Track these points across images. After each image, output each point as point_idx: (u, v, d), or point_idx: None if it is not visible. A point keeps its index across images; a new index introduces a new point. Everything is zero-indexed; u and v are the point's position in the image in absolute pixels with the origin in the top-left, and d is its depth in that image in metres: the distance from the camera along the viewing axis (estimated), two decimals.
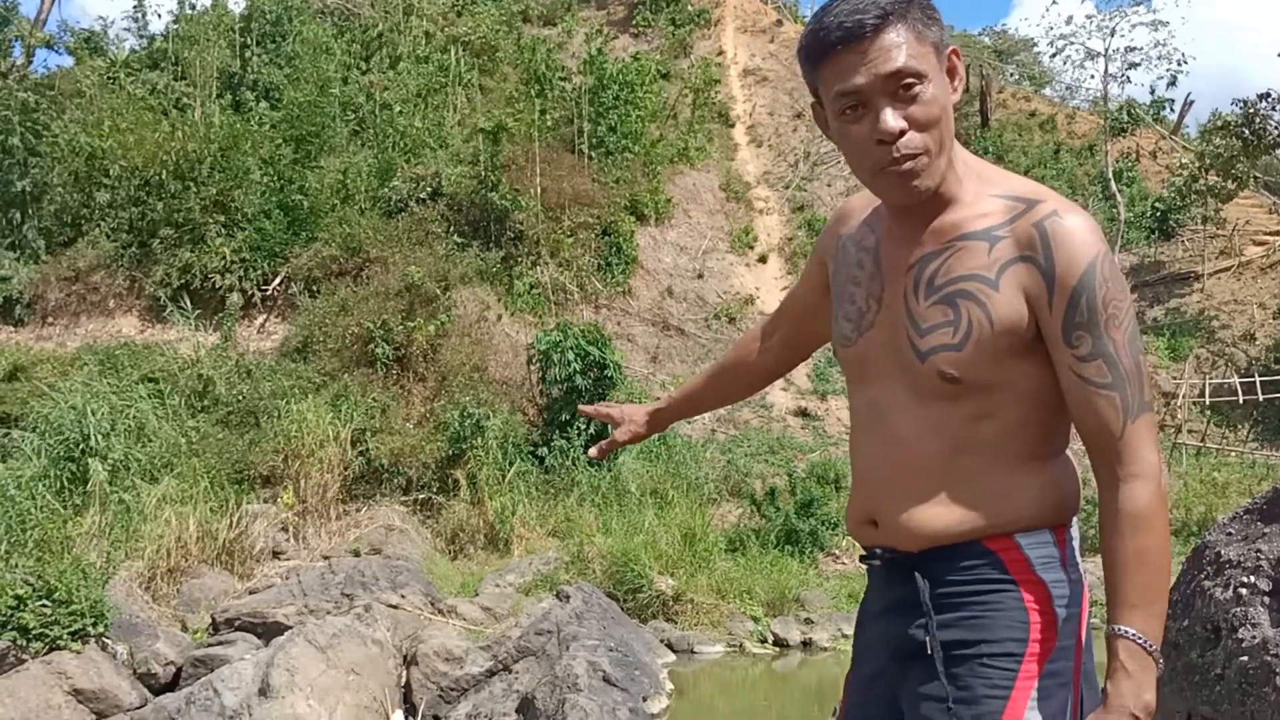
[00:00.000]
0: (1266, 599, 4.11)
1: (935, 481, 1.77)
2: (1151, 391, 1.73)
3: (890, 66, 1.65)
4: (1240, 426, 22.88)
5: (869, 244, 1.89)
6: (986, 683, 1.71)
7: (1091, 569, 1.91)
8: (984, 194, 1.77)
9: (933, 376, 1.74)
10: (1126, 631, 1.63)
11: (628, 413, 2.39)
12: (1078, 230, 1.70)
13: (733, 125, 35.12)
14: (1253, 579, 4.19)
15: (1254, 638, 3.99)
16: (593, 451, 2.40)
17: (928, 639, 1.75)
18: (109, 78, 27.70)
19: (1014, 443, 1.77)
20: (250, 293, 23.60)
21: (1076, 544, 1.82)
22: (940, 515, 1.76)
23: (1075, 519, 1.83)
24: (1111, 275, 1.68)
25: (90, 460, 15.11)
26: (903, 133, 1.68)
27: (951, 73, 1.77)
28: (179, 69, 28.98)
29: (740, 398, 2.43)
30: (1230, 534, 4.66)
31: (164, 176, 24.23)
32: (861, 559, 1.96)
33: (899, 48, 1.66)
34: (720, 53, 37.61)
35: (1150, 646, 1.63)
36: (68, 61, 33.47)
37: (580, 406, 2.54)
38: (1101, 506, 1.72)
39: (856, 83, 1.66)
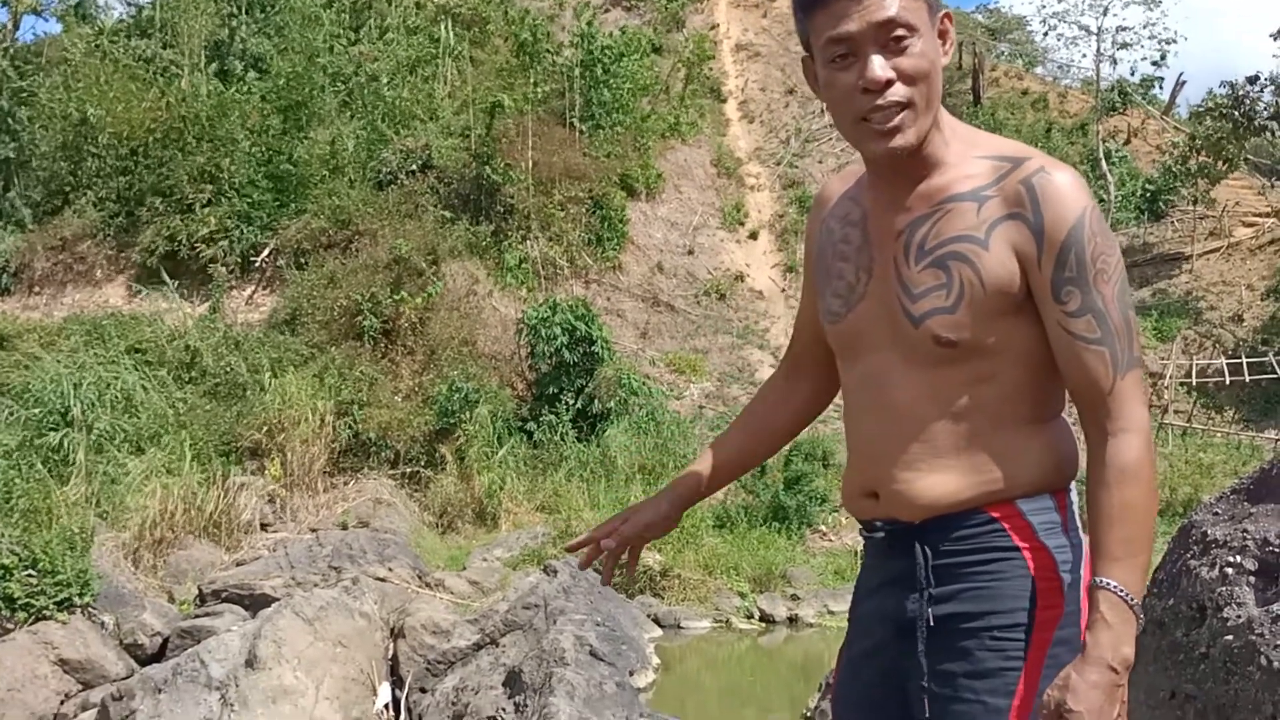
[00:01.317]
0: (1252, 578, 4.13)
1: (935, 448, 1.75)
2: (1140, 347, 1.72)
3: (883, 14, 1.65)
4: (1227, 408, 22.99)
5: (855, 217, 1.88)
6: (1000, 655, 1.71)
7: None
8: (970, 156, 1.76)
9: (927, 341, 1.73)
10: (1108, 584, 1.61)
11: (630, 527, 2.07)
12: (1065, 186, 1.68)
13: (724, 100, 34.96)
14: (1239, 559, 4.21)
15: (1239, 617, 4.01)
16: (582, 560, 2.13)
17: (922, 609, 1.75)
18: (95, 45, 27.41)
19: (1013, 406, 1.75)
20: (237, 264, 23.48)
21: (1076, 508, 1.79)
22: (942, 482, 1.75)
23: (1074, 483, 1.80)
24: (1100, 230, 1.67)
25: (71, 431, 15.06)
26: (890, 83, 1.67)
27: (943, 35, 1.76)
28: (167, 37, 28.69)
29: (775, 451, 2.21)
30: (1217, 514, 4.68)
31: (151, 145, 24.05)
32: (861, 533, 1.94)
33: None
34: (713, 27, 37.39)
35: (1131, 599, 1.62)
36: (56, 29, 33.19)
37: (566, 546, 2.20)
38: (1090, 461, 1.70)
39: (848, 29, 1.66)
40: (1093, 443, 1.71)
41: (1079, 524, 1.78)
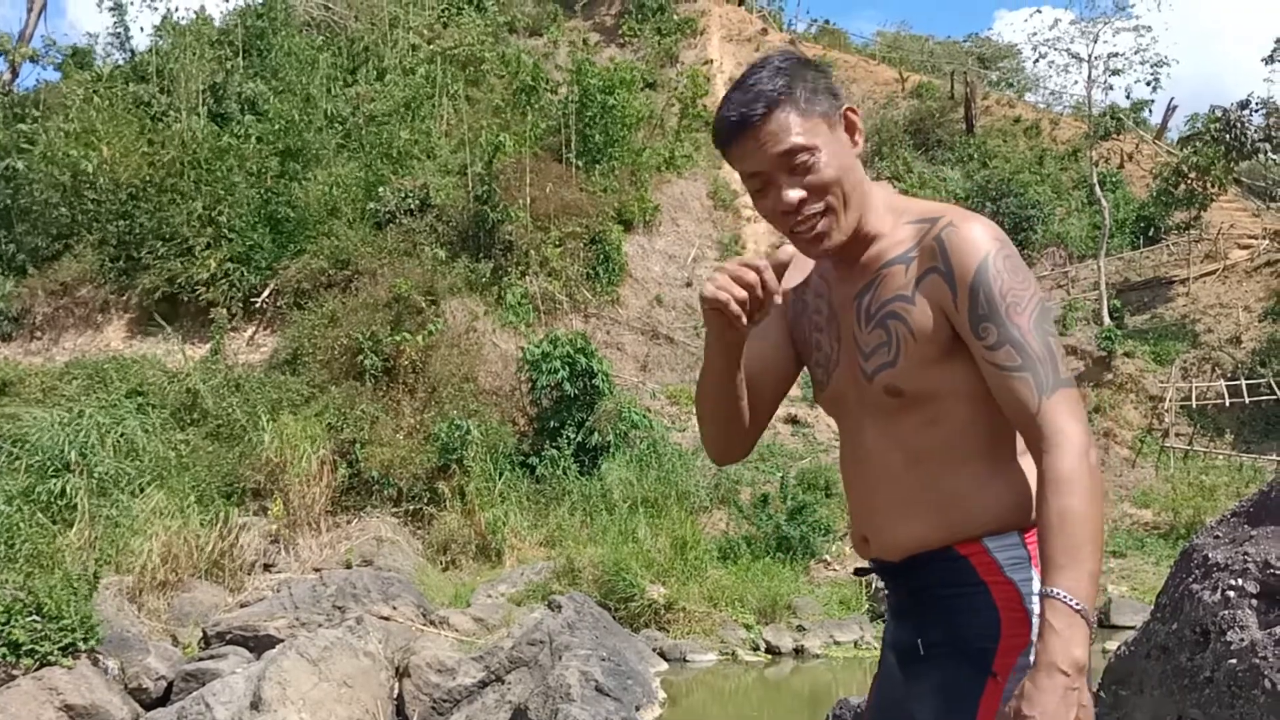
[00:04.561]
0: (1254, 601, 4.15)
1: (901, 491, 1.93)
2: (1067, 369, 1.82)
3: (780, 148, 1.85)
4: (1227, 430, 22.99)
5: (822, 290, 2.08)
6: (966, 679, 1.84)
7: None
8: (900, 223, 1.95)
9: (880, 394, 1.92)
10: (1054, 592, 1.69)
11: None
12: (970, 234, 1.84)
13: None
14: (1241, 581, 4.23)
15: (1242, 640, 4.02)
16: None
17: (918, 641, 1.92)
18: (94, 91, 27.66)
19: (963, 443, 1.90)
20: (238, 305, 23.58)
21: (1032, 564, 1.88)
22: (913, 528, 1.92)
23: (1033, 529, 1.86)
24: (1006, 268, 1.82)
25: (70, 476, 15.07)
26: (803, 201, 1.88)
27: (850, 128, 1.93)
28: (164, 81, 28.94)
29: (737, 422, 2.16)
30: (1218, 537, 4.69)
31: (149, 189, 24.21)
32: (856, 571, 2.13)
33: (786, 130, 1.85)
34: (707, 62, 37.69)
35: (1077, 605, 1.68)
36: (55, 76, 33.48)
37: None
38: (1036, 482, 1.80)
39: (755, 166, 1.88)
40: (1034, 464, 1.81)
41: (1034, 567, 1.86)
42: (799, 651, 14.40)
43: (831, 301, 2.03)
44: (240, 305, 23.66)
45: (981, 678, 1.82)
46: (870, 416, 1.96)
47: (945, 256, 1.84)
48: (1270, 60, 29.17)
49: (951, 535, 1.88)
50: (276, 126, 26.22)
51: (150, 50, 31.30)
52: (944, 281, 1.84)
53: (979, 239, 1.83)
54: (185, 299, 23.46)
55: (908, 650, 1.95)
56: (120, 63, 32.44)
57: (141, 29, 61.54)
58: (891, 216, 1.96)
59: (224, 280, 23.44)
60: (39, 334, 24.71)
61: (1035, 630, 1.77)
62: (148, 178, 24.32)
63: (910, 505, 1.91)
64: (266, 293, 23.67)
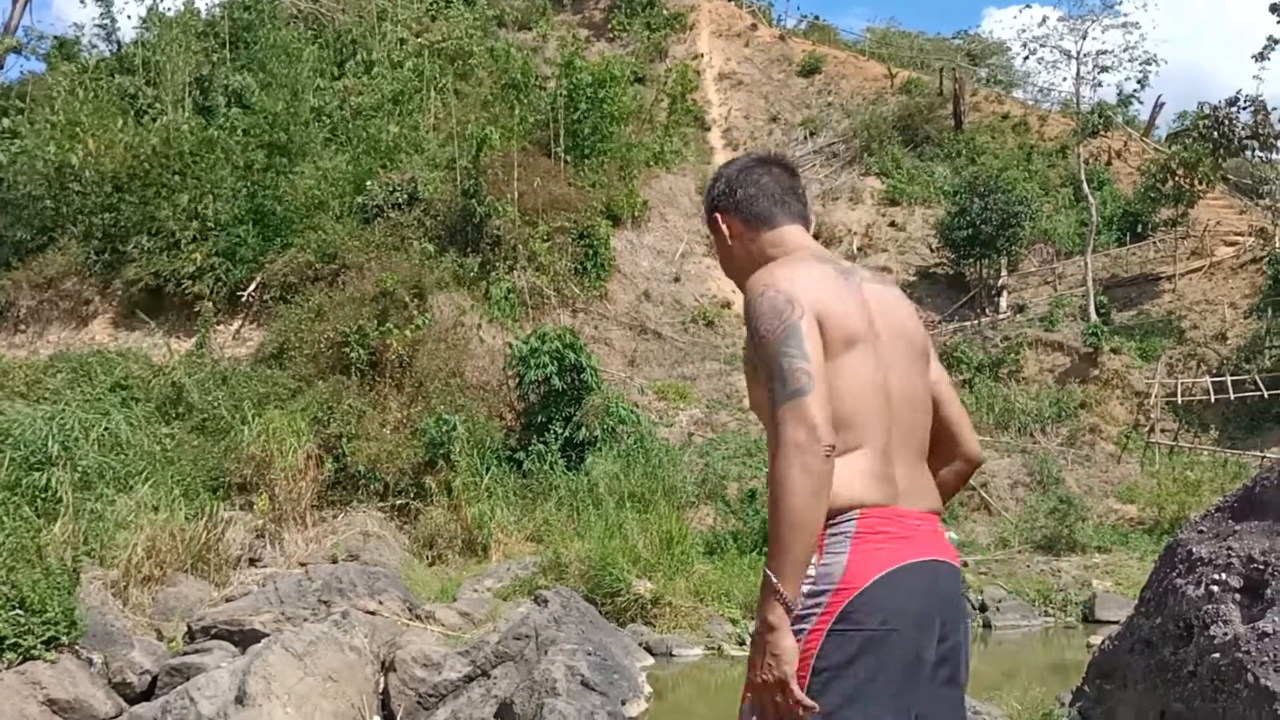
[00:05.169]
0: (1238, 596, 4.15)
1: None
2: (793, 386, 2.18)
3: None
4: (1212, 426, 23.10)
5: None
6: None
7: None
8: None
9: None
10: (766, 569, 2.15)
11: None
12: (749, 289, 2.35)
13: (708, 129, 35.21)
14: (1224, 576, 4.24)
15: (1226, 634, 4.03)
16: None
17: None
18: (80, 83, 27.50)
19: None
20: (224, 299, 23.47)
21: (845, 534, 2.22)
22: None
23: (851, 513, 2.23)
24: (755, 312, 2.28)
25: (53, 470, 14.99)
26: None
27: (723, 227, 2.58)
28: (150, 74, 28.79)
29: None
30: (1202, 532, 4.70)
31: (135, 182, 24.07)
32: None
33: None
34: (696, 56, 37.69)
35: (774, 581, 2.13)
36: (40, 68, 33.27)
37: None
38: None
39: None
40: None
41: (841, 548, 2.22)
42: None
43: None
44: (226, 299, 23.55)
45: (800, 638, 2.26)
46: None
47: (745, 305, 2.36)
48: (1260, 58, 29.28)
49: None
50: (263, 120, 26.11)
51: (136, 42, 31.12)
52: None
53: (752, 286, 2.34)
54: (170, 292, 23.34)
55: None
56: (106, 55, 32.25)
57: (129, 17, 61.05)
58: None
59: (210, 274, 23.32)
60: (23, 327, 24.57)
61: (807, 604, 2.18)
62: (133, 171, 24.17)
63: None
64: (252, 287, 23.57)
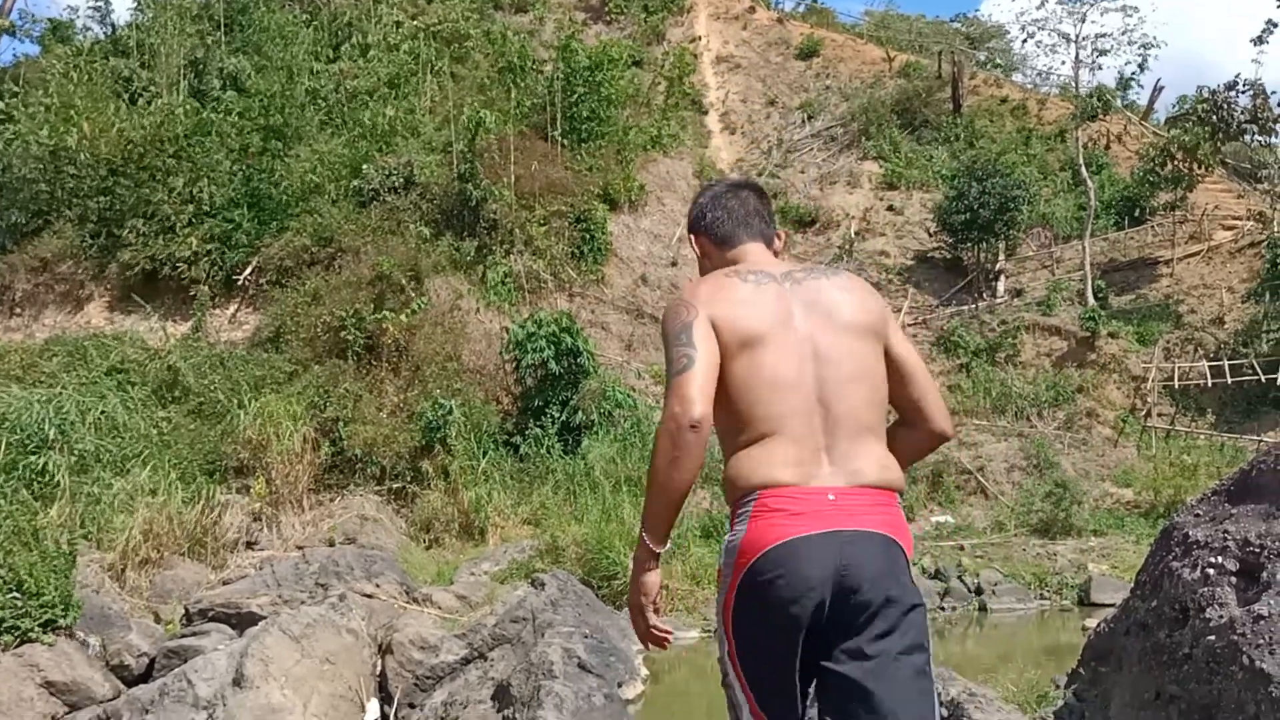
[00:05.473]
0: (1234, 579, 4.15)
1: None
2: (676, 367, 2.54)
3: None
4: (1209, 410, 23.12)
5: None
6: None
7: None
8: None
9: None
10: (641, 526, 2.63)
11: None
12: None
13: (706, 112, 35.08)
14: (1220, 559, 4.24)
15: (1221, 617, 4.03)
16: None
17: None
18: (74, 66, 27.36)
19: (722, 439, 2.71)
20: (220, 283, 23.42)
21: (747, 512, 2.54)
22: None
23: (754, 494, 2.54)
24: (663, 317, 2.69)
25: (50, 453, 14.99)
26: None
27: (696, 247, 3.00)
28: (145, 57, 28.65)
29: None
30: (1199, 515, 4.70)
31: (130, 165, 23.97)
32: None
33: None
34: (693, 39, 37.53)
35: (643, 532, 2.62)
36: (34, 51, 33.12)
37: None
38: None
39: None
40: None
41: (739, 526, 2.56)
42: None
43: None
44: (222, 283, 23.50)
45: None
46: None
47: None
48: (1258, 41, 29.19)
49: None
50: (258, 103, 25.99)
51: (130, 25, 30.96)
52: None
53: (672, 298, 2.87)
54: (166, 276, 23.28)
55: None
56: (100, 37, 32.09)
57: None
58: None
59: (205, 258, 23.27)
60: (18, 310, 24.52)
61: (721, 576, 2.60)
62: (127, 154, 24.07)
63: None
64: (248, 270, 23.51)
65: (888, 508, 2.57)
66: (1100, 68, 68.00)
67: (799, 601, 2.45)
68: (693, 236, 2.98)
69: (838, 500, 2.49)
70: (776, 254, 2.91)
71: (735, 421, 2.58)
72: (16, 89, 27.34)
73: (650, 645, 2.75)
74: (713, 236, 2.91)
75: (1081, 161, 28.34)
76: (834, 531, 2.47)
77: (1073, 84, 32.25)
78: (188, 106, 25.78)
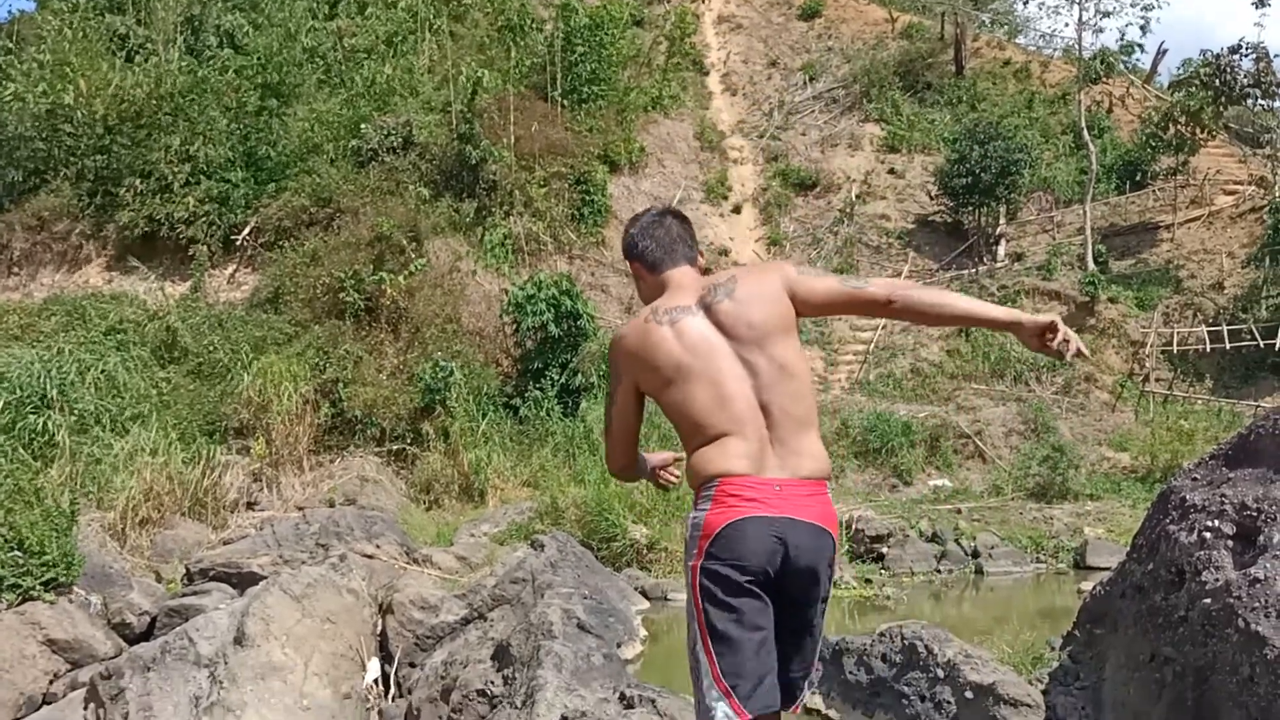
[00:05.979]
0: (1230, 542, 4.18)
1: None
2: (605, 420, 3.46)
3: None
4: (1207, 375, 23.14)
5: None
6: None
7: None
8: None
9: None
10: None
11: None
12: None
13: (707, 73, 34.83)
14: (1217, 523, 4.26)
15: (1217, 580, 4.06)
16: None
17: None
18: (70, 23, 27.11)
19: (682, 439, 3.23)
20: (218, 243, 23.34)
21: (708, 496, 3.06)
22: None
23: (713, 482, 3.05)
24: (608, 360, 3.38)
25: (49, 413, 15.00)
26: None
27: (633, 273, 3.44)
28: (141, 14, 28.38)
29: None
30: (1196, 479, 4.72)
31: (127, 124, 23.80)
32: None
33: None
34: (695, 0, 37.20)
35: None
36: (30, 7, 32.78)
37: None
38: None
39: None
40: None
41: (700, 510, 3.07)
42: None
43: None
44: (220, 243, 23.42)
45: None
46: None
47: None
48: (1260, 3, 28.93)
49: None
50: (255, 61, 25.78)
51: None
52: None
53: (616, 332, 3.36)
54: (164, 236, 23.20)
55: None
56: None
57: None
58: None
59: (203, 218, 23.17)
60: (16, 270, 24.46)
61: (686, 552, 3.10)
62: (124, 112, 23.90)
63: None
64: (247, 230, 23.43)
65: (820, 496, 3.07)
66: (1102, 30, 67.38)
67: (749, 570, 2.96)
68: (629, 263, 3.40)
69: (782, 491, 3.00)
70: (703, 270, 3.35)
71: (691, 429, 3.10)
72: (12, 45, 27.10)
73: (659, 485, 3.76)
74: (644, 263, 3.34)
75: (1084, 125, 28.18)
76: (779, 517, 2.98)
77: (1075, 46, 31.98)
78: (184, 64, 25.58)
